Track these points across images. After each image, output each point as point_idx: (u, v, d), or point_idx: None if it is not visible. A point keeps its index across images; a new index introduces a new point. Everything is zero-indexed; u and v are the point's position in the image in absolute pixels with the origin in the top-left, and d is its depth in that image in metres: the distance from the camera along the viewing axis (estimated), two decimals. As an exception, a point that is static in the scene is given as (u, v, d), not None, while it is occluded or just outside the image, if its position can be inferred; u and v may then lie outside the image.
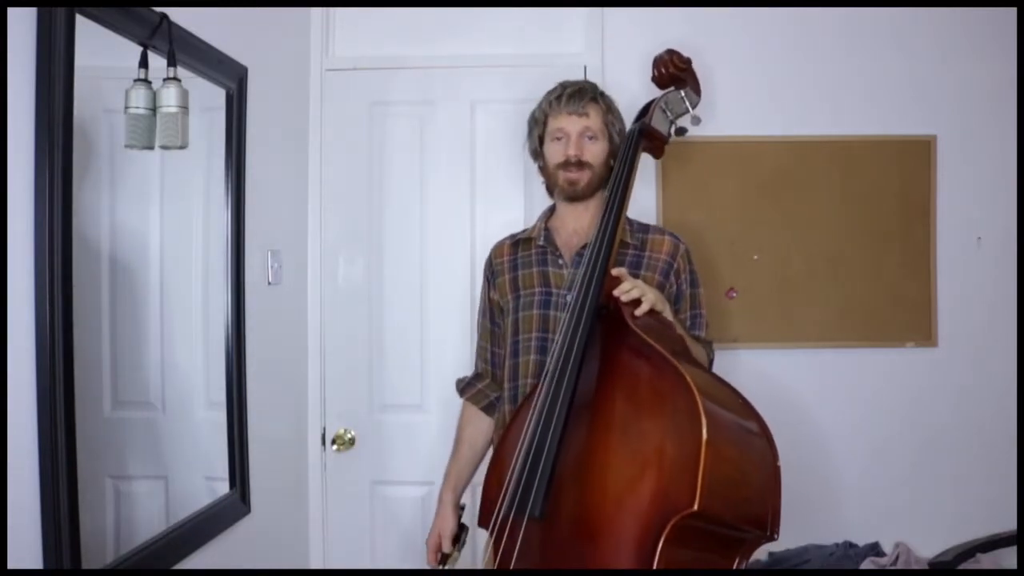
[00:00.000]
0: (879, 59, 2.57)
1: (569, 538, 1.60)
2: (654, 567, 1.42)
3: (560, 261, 2.02)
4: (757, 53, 2.58)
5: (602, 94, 2.07)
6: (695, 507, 1.41)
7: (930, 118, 2.57)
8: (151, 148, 1.59)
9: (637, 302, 1.72)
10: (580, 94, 2.02)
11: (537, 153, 2.10)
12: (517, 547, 1.63)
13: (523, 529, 1.62)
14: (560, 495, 1.60)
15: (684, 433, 1.47)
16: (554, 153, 2.03)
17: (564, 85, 2.06)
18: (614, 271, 1.78)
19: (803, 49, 2.58)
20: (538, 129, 2.08)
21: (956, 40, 2.57)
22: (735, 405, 1.60)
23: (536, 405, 1.70)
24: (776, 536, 1.53)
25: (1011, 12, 2.51)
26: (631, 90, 2.25)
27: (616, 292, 1.72)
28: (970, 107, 2.57)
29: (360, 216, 2.62)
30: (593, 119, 2.01)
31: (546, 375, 1.73)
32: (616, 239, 1.83)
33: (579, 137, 2.00)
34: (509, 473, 1.70)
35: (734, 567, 1.55)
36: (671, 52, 2.06)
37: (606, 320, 1.73)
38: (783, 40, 2.58)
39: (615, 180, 1.91)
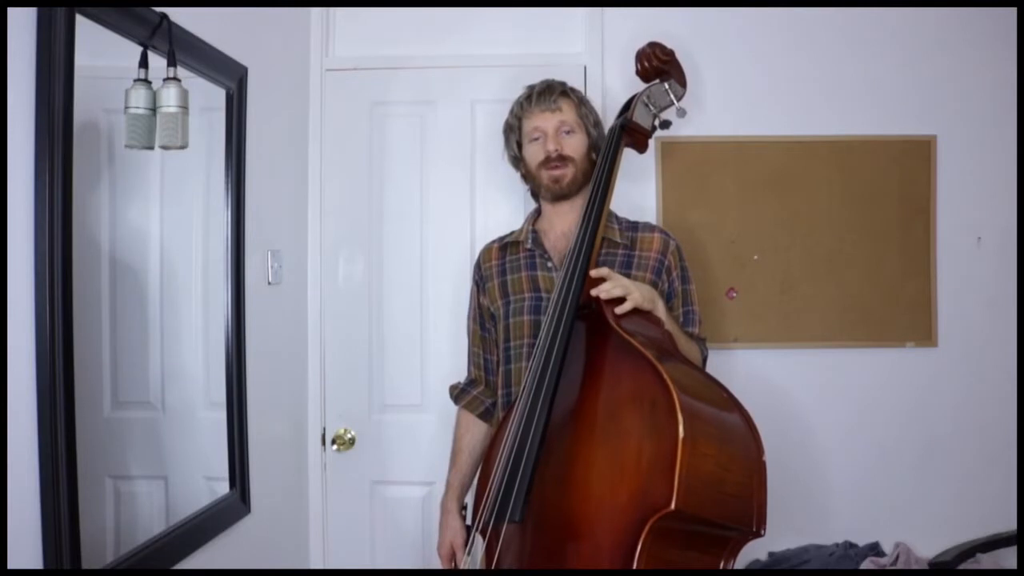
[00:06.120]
0: (879, 59, 2.57)
1: (552, 539, 1.60)
2: (634, 567, 1.42)
3: (549, 264, 2.00)
4: (757, 53, 2.58)
5: (572, 89, 2.07)
6: (672, 506, 1.41)
7: (930, 118, 2.57)
8: (151, 148, 1.59)
9: (619, 300, 1.71)
10: (549, 91, 2.03)
11: (517, 159, 2.09)
12: (500, 548, 1.64)
13: (507, 531, 1.62)
14: (543, 497, 1.60)
15: (661, 431, 1.47)
16: (534, 153, 2.02)
17: (531, 87, 2.07)
18: (593, 272, 1.76)
19: (803, 49, 2.58)
20: (514, 135, 2.08)
21: (956, 40, 2.57)
22: (718, 401, 1.58)
23: (516, 411, 1.70)
24: (763, 532, 1.52)
25: (1011, 12, 2.51)
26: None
27: (595, 291, 1.71)
28: (970, 107, 2.56)
29: (360, 216, 2.61)
30: (567, 113, 2.01)
31: (526, 381, 1.72)
32: (598, 238, 1.81)
33: (556, 133, 1.99)
34: (491, 478, 1.71)
35: (721, 564, 1.54)
36: (653, 44, 2.03)
37: (589, 319, 1.72)
38: (783, 40, 2.58)
39: (596, 178, 1.90)
